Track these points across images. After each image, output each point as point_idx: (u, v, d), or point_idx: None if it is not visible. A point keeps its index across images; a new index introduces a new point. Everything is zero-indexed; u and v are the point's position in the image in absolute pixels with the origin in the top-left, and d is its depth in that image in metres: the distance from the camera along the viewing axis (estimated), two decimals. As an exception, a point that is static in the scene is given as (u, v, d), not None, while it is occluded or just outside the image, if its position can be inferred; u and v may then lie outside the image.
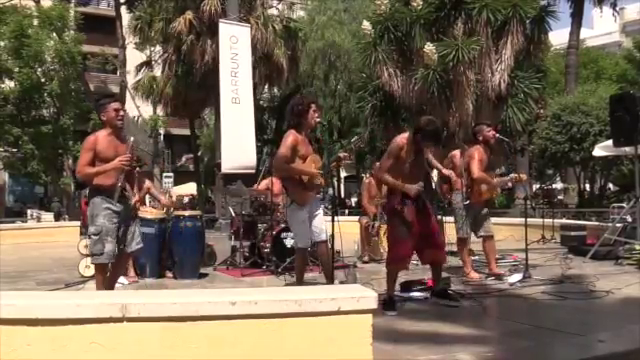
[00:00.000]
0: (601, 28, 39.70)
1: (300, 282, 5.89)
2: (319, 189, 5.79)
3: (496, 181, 6.95)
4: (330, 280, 5.54)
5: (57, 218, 22.68)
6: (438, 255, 5.34)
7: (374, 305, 2.79)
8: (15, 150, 23.70)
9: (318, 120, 5.74)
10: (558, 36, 23.78)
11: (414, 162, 5.19)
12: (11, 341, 2.53)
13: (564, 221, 13.16)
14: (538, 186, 25.46)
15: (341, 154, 5.88)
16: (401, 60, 12.43)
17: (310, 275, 7.22)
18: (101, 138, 4.91)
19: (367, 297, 2.81)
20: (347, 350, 2.74)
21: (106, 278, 4.97)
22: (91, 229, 4.84)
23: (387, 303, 5.07)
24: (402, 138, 5.24)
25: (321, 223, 5.66)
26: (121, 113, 5.00)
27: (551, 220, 11.93)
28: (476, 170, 6.59)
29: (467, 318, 4.83)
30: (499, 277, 6.61)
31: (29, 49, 22.10)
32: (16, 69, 22.59)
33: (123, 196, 4.92)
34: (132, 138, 5.06)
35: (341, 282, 5.91)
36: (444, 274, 5.77)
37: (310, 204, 5.65)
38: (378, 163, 9.10)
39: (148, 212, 7.47)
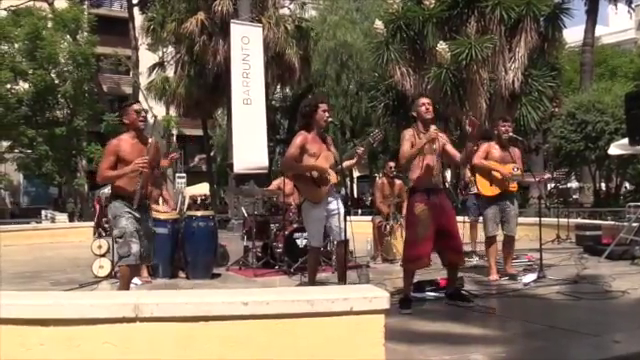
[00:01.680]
0: (616, 25, 39.32)
1: (312, 282, 5.89)
2: (333, 185, 5.69)
3: (504, 171, 6.57)
4: (342, 281, 5.55)
5: (71, 219, 22.85)
6: (456, 257, 5.30)
7: (386, 305, 2.78)
8: (29, 151, 23.92)
9: (328, 119, 5.71)
10: (573, 34, 23.60)
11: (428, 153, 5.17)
12: (25, 341, 2.56)
13: (579, 220, 13.05)
14: (553, 185, 25.25)
15: (359, 150, 5.77)
16: (413, 59, 12.41)
17: (323, 275, 7.24)
18: (124, 142, 4.88)
19: (379, 297, 2.80)
20: (359, 350, 2.74)
21: (129, 283, 4.96)
22: (115, 232, 4.83)
23: (403, 301, 5.07)
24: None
25: (341, 222, 5.56)
26: (142, 114, 4.95)
27: (566, 219, 11.84)
28: (476, 158, 6.49)
29: (480, 318, 4.81)
30: (513, 277, 6.58)
31: (43, 51, 22.30)
32: (30, 71, 22.79)
33: (143, 205, 4.91)
34: (151, 138, 5.03)
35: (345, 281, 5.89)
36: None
37: (325, 201, 5.62)
38: (391, 163, 9.12)
39: (161, 212, 7.51)
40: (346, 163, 5.83)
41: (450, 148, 5.33)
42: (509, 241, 6.77)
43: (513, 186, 6.72)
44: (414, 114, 5.34)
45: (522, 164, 6.80)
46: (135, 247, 4.75)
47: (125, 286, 4.90)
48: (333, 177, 5.65)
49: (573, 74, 25.14)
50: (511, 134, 6.73)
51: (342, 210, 5.61)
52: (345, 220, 5.37)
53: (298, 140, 5.58)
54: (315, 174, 5.57)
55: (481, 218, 7.21)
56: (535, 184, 7.60)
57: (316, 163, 5.56)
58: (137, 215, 4.83)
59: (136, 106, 4.98)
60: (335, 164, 5.62)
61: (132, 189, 4.79)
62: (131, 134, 4.92)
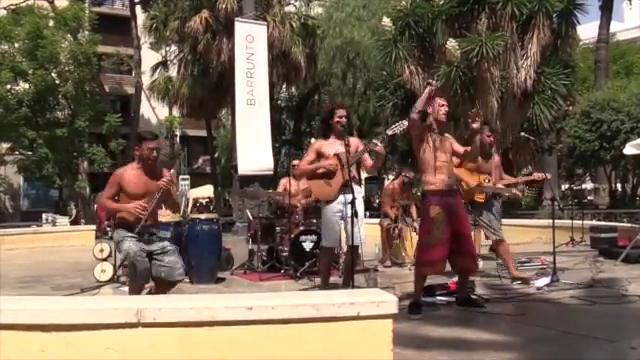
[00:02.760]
0: (631, 21, 39.17)
1: (325, 283, 5.98)
2: (351, 182, 5.49)
3: (471, 182, 6.78)
4: (346, 285, 5.62)
5: (73, 222, 22.94)
6: (468, 263, 5.27)
7: (395, 310, 2.78)
8: (30, 153, 24.02)
9: (342, 121, 5.80)
10: (587, 30, 23.53)
11: (436, 149, 5.17)
12: (26, 346, 2.57)
13: (594, 222, 13.00)
14: (567, 186, 25.16)
15: (375, 146, 5.62)
16: (422, 57, 12.42)
17: (330, 279, 7.24)
18: (128, 173, 4.92)
19: (387, 302, 2.81)
20: (367, 356, 2.74)
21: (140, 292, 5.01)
22: (120, 256, 4.90)
23: (412, 306, 5.07)
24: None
25: (356, 225, 5.39)
26: (154, 154, 4.93)
27: (580, 221, 11.80)
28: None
29: (491, 323, 4.80)
30: (526, 281, 6.56)
31: (44, 50, 22.39)
32: (30, 71, 22.90)
33: (149, 232, 4.92)
34: (173, 171, 5.08)
35: (352, 285, 5.89)
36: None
37: (340, 201, 5.65)
38: (411, 174, 9.16)
39: (163, 215, 7.52)
40: (368, 162, 5.87)
41: (458, 147, 5.34)
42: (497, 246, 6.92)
43: (480, 197, 6.80)
44: (428, 111, 5.28)
45: (499, 172, 7.09)
46: (140, 266, 4.76)
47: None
48: (344, 174, 5.56)
49: (587, 72, 25.04)
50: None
51: (361, 211, 5.44)
52: (352, 223, 5.36)
53: (315, 145, 5.99)
54: (321, 171, 5.74)
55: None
56: (547, 186, 7.63)
57: (327, 161, 5.71)
58: (145, 247, 4.85)
59: (152, 144, 4.94)
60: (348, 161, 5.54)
61: (134, 219, 4.82)
62: (138, 165, 4.96)
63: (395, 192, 9.16)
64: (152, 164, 4.95)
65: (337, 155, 5.69)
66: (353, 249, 5.59)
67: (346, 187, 5.54)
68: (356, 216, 5.16)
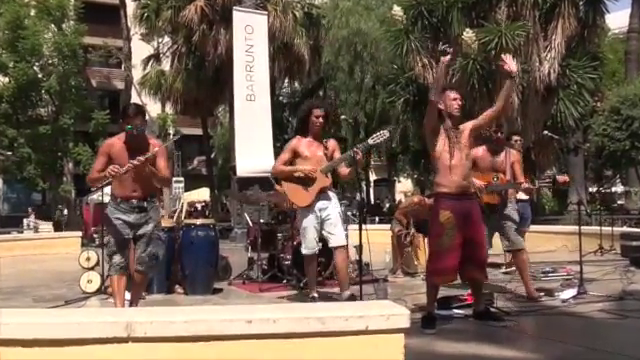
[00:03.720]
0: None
1: (312, 287, 6.31)
2: (326, 188, 6.12)
3: (477, 183, 6.32)
4: (344, 291, 6.01)
5: (57, 228, 23.01)
6: (476, 272, 5.24)
7: (406, 324, 2.78)
8: (10, 153, 24.07)
9: (318, 122, 6.17)
10: (616, 19, 23.47)
11: (452, 147, 5.12)
12: (6, 363, 2.57)
13: (625, 229, 12.96)
14: (595, 189, 25.11)
15: (355, 154, 5.90)
16: (436, 49, 12.41)
17: (336, 290, 7.24)
18: (117, 143, 5.16)
19: (399, 315, 2.80)
20: (376, 374, 2.74)
21: (119, 293, 5.19)
22: (104, 240, 5.13)
23: (426, 320, 5.06)
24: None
25: (334, 226, 6.06)
26: (137, 121, 5.10)
27: (610, 228, 11.76)
28: None
29: (512, 339, 4.79)
30: (550, 293, 6.54)
31: (25, 42, 22.48)
32: (11, 64, 22.98)
33: (141, 207, 5.16)
34: (163, 145, 5.32)
35: (351, 296, 5.92)
36: (487, 287, 5.71)
37: (316, 206, 6.08)
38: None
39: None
40: (344, 170, 6.21)
41: (481, 119, 5.28)
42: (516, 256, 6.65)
43: (489, 198, 6.43)
44: (441, 105, 5.23)
45: (517, 172, 6.67)
46: (116, 258, 5.11)
47: (115, 300, 5.18)
48: (323, 181, 6.07)
49: (617, 64, 25.02)
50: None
51: (336, 213, 6.10)
52: (360, 229, 5.37)
53: (291, 144, 6.31)
54: (301, 174, 6.07)
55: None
56: (573, 189, 7.42)
57: (304, 163, 6.10)
58: (127, 219, 5.10)
59: (132, 120, 5.10)
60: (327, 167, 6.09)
61: (123, 193, 5.12)
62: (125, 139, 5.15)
63: (417, 207, 8.96)
64: (138, 137, 5.12)
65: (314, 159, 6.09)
66: (339, 251, 6.07)
67: (323, 193, 6.08)
68: (364, 221, 5.21)
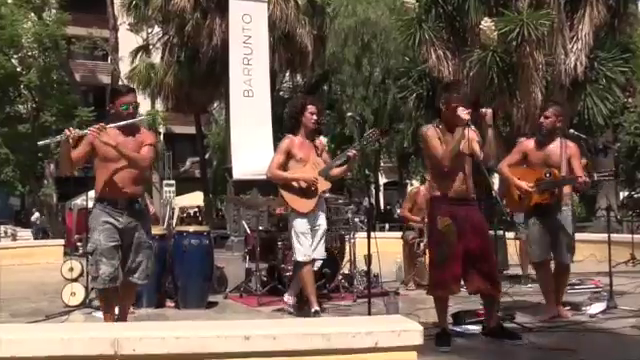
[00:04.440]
0: None
1: (313, 300, 6.30)
2: (323, 195, 6.50)
3: (524, 187, 6.11)
4: (301, 303, 6.49)
5: (37, 236, 23.04)
6: (485, 285, 5.20)
7: (419, 340, 2.78)
8: (-15, 154, 24.16)
9: (314, 119, 6.43)
10: (649, 7, 23.40)
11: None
12: (-18, 383, 2.58)
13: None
14: (626, 194, 25.07)
15: (350, 152, 6.38)
16: (452, 40, 12.40)
17: (343, 304, 7.26)
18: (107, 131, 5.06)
19: (410, 331, 2.81)
20: (386, 395, 2.74)
21: (109, 307, 5.18)
22: (87, 246, 5.11)
23: (440, 336, 5.07)
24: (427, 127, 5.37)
25: (320, 238, 6.46)
26: (130, 110, 5.18)
27: (643, 236, 11.74)
28: (503, 161, 6.33)
29: (531, 357, 4.78)
30: (577, 307, 6.53)
31: (2, 32, 22.51)
32: (-14, 57, 23.02)
33: (133, 209, 5.11)
34: (147, 132, 5.38)
35: (335, 305, 5.92)
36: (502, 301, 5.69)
37: (312, 214, 6.36)
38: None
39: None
40: (337, 170, 6.48)
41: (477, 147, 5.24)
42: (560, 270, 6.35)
43: (539, 198, 6.11)
44: (442, 107, 5.26)
45: (575, 166, 6.14)
46: (104, 268, 4.95)
47: (104, 315, 5.15)
48: (323, 185, 6.36)
49: (650, 56, 24.94)
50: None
51: (325, 224, 6.54)
52: (369, 237, 5.38)
53: (284, 145, 6.43)
54: (303, 184, 6.30)
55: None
56: (602, 194, 7.18)
57: (304, 170, 6.33)
58: (118, 224, 5.01)
59: (125, 98, 5.18)
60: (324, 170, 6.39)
61: (110, 195, 5.04)
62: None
63: (419, 194, 9.08)
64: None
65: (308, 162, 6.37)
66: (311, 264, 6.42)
67: (320, 199, 6.45)
68: (373, 229, 5.22)
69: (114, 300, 5.24)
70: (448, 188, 5.15)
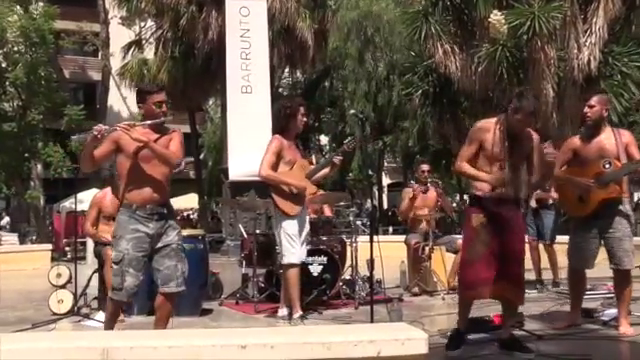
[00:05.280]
0: None
1: (294, 304, 6.47)
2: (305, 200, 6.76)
3: (583, 183, 5.84)
4: (288, 307, 6.60)
5: (23, 240, 23.04)
6: (508, 291, 5.13)
7: (424, 349, 2.79)
8: (-32, 155, 24.16)
9: (304, 121, 6.78)
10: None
11: (508, 159, 5.03)
12: (-35, 394, 2.59)
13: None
14: (641, 195, 25.09)
15: (335, 159, 6.85)
16: (460, 34, 12.43)
17: (343, 311, 7.26)
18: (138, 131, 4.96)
19: (415, 339, 2.81)
20: (390, 407, 2.75)
21: (115, 318, 5.15)
22: (112, 255, 4.96)
23: (452, 339, 5.09)
24: (487, 121, 5.24)
25: (303, 240, 6.71)
26: (164, 108, 5.10)
27: (659, 239, 11.74)
28: (556, 166, 6.07)
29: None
30: (589, 313, 6.53)
31: (-14, 26, 22.53)
32: (-30, 52, 23.04)
33: (162, 212, 4.99)
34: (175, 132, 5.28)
35: (336, 313, 5.92)
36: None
37: (300, 215, 6.63)
38: (425, 166, 9.09)
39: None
40: (320, 173, 6.94)
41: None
42: (619, 278, 6.13)
43: (606, 193, 5.78)
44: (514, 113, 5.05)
45: (633, 154, 5.81)
46: (130, 280, 4.81)
47: (108, 325, 5.06)
48: (310, 189, 6.77)
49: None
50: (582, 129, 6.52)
51: (308, 228, 6.86)
52: (372, 240, 5.39)
53: (274, 145, 6.63)
54: (295, 190, 6.57)
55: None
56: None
57: (292, 172, 6.62)
58: (150, 230, 4.88)
59: (159, 97, 5.10)
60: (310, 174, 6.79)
61: (139, 199, 4.89)
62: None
63: (415, 194, 8.97)
64: (162, 123, 5.08)
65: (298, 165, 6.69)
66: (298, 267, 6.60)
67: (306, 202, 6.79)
68: (376, 232, 5.24)
69: (119, 312, 5.25)
70: (488, 187, 5.09)
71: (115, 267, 4.87)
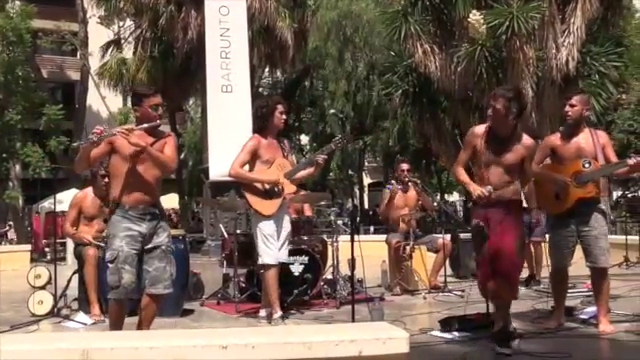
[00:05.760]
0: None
1: (273, 305, 6.43)
2: (289, 196, 6.66)
3: (561, 179, 5.85)
4: (266, 308, 6.50)
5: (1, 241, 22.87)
6: (500, 287, 5.24)
7: (405, 348, 2.79)
8: (-55, 155, 23.95)
9: (283, 119, 6.67)
10: (643, -1, 23.63)
11: (493, 162, 5.22)
12: (-57, 398, 2.57)
13: (654, 239, 13.03)
14: (620, 194, 25.28)
15: (319, 158, 6.61)
16: (439, 33, 12.48)
17: (325, 311, 7.26)
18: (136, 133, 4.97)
19: (396, 338, 2.82)
20: (371, 406, 2.75)
21: (120, 320, 5.08)
22: (107, 255, 4.96)
23: (497, 336, 5.17)
24: (480, 126, 5.47)
25: (283, 240, 6.63)
26: (160, 111, 5.16)
27: (637, 237, 11.84)
28: (533, 163, 5.91)
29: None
30: (569, 312, 6.57)
31: (-37, 26, 22.33)
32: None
33: (154, 215, 5.03)
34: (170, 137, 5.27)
35: (317, 312, 5.92)
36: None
37: (279, 216, 6.54)
38: (405, 165, 9.11)
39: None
40: (301, 173, 6.71)
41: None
42: (595, 276, 6.10)
43: (583, 192, 5.82)
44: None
45: (609, 155, 5.90)
46: (127, 276, 4.83)
47: (113, 327, 5.04)
48: (289, 187, 6.55)
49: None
50: (563, 128, 6.56)
51: (289, 228, 6.75)
52: (352, 240, 5.40)
53: (250, 145, 6.54)
54: (267, 186, 6.48)
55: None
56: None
57: (268, 171, 6.51)
58: (142, 229, 4.92)
59: (154, 99, 5.14)
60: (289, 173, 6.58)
61: (131, 200, 4.92)
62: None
63: (395, 194, 8.98)
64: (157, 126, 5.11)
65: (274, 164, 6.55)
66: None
67: (284, 201, 6.61)
68: (357, 232, 5.26)
69: (125, 313, 5.16)
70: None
71: (110, 266, 4.88)
